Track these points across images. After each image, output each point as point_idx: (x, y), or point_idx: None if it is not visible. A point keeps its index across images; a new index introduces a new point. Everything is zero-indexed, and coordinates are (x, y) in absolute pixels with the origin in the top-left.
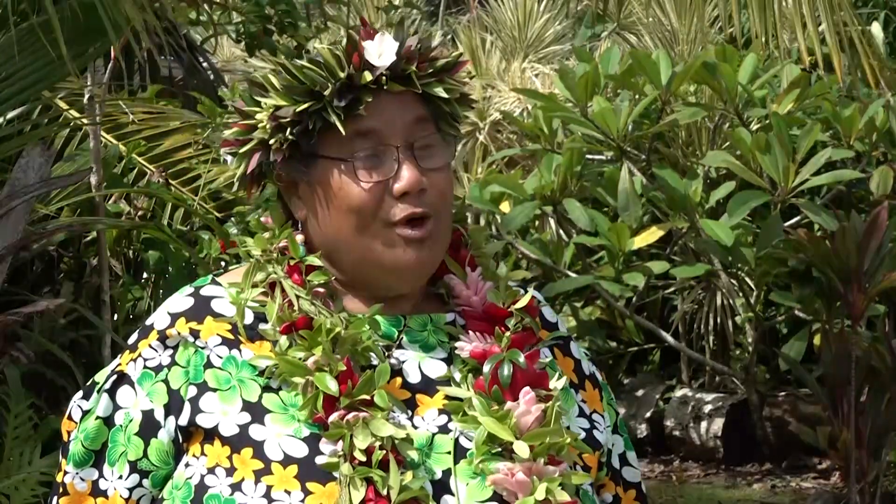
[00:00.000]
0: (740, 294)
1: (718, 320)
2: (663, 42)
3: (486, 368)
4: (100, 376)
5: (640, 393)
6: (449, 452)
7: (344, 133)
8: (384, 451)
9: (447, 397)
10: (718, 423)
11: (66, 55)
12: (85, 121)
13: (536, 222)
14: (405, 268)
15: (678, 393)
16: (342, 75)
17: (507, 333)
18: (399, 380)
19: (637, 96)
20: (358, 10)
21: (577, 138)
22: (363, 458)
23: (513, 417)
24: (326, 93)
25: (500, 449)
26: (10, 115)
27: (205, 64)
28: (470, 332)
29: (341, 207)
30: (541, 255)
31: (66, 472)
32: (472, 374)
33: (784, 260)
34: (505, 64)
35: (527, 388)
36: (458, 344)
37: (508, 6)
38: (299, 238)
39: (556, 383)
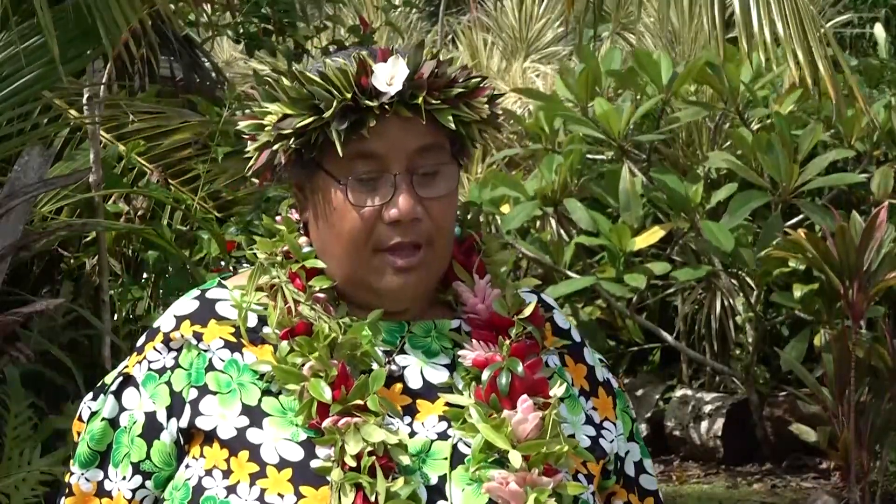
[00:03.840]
0: (741, 294)
1: (719, 320)
2: (664, 42)
3: (485, 376)
4: (109, 378)
5: (640, 393)
6: (446, 458)
7: (343, 155)
8: (373, 458)
9: (447, 404)
10: (718, 423)
11: (57, 59)
12: (85, 121)
13: (537, 223)
14: (391, 293)
15: (678, 393)
16: (347, 96)
17: (508, 342)
18: (400, 385)
19: (639, 96)
20: (357, 10)
21: (578, 138)
22: (353, 464)
23: (509, 425)
24: (327, 114)
25: (497, 457)
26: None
27: (207, 63)
28: (474, 340)
29: (334, 225)
30: (541, 255)
31: (72, 473)
32: (474, 382)
33: (785, 260)
34: (505, 64)
35: (524, 396)
36: (461, 352)
37: (508, 7)
38: (303, 240)
39: (556, 391)
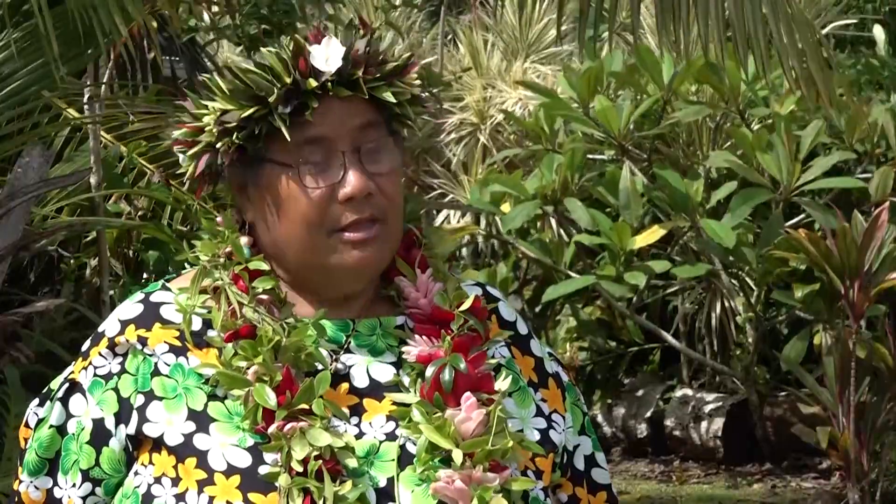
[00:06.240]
0: (741, 294)
1: (719, 320)
2: (664, 42)
3: (429, 373)
4: (55, 383)
5: (640, 393)
6: (394, 460)
7: (290, 140)
8: (320, 462)
9: (394, 403)
10: (718, 423)
11: (57, 60)
12: (85, 121)
13: (538, 223)
14: (349, 267)
15: (678, 393)
16: (287, 80)
17: (449, 337)
18: (346, 385)
19: (639, 95)
20: (357, 10)
21: (578, 137)
22: (301, 469)
23: (452, 425)
24: (271, 99)
25: (443, 456)
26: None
27: (209, 63)
28: (417, 335)
29: (287, 213)
30: (541, 255)
31: (21, 481)
32: (419, 379)
33: (785, 260)
34: (506, 64)
35: (468, 394)
36: (405, 348)
37: (509, 7)
38: (245, 241)
39: (501, 385)
